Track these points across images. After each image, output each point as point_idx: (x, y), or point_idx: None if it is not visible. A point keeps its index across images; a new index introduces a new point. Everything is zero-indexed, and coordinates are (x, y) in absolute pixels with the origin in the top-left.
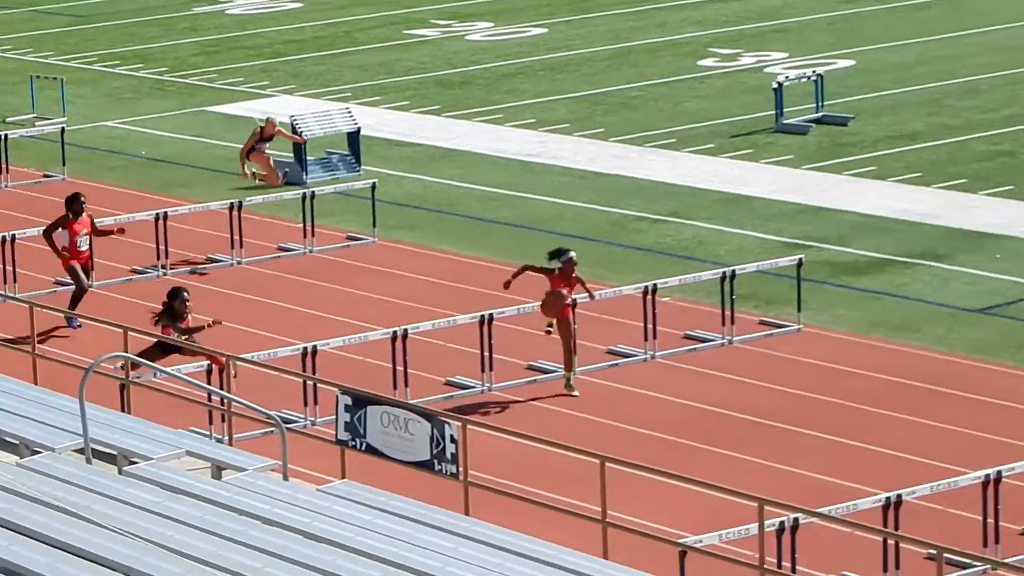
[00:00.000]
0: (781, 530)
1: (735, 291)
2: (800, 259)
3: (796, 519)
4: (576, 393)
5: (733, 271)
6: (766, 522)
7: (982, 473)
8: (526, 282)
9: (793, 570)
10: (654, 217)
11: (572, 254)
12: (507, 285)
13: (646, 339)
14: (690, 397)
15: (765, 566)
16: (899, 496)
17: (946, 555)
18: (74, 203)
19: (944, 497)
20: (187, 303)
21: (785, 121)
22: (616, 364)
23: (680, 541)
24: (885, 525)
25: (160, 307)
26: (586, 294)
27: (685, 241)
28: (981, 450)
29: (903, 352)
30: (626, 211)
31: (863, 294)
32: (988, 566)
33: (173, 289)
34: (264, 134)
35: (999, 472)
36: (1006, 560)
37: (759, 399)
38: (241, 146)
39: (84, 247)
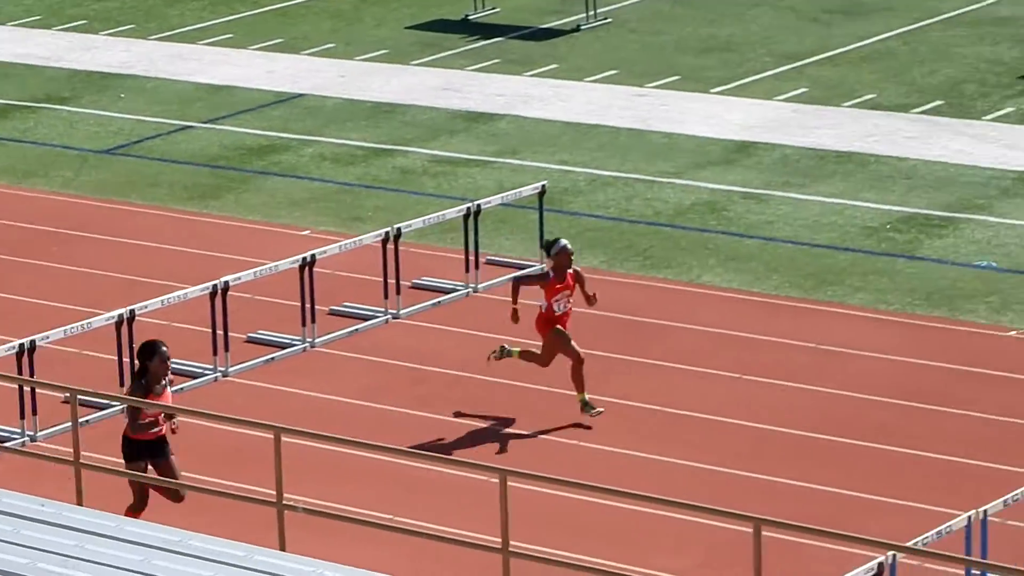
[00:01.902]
0: None
1: None
2: None
3: None
4: (600, 410)
5: None
6: None
7: (115, 313)
8: None
9: None
10: None
11: (565, 242)
12: (515, 316)
13: None
14: None
15: None
16: (33, 343)
17: (81, 396)
18: None
19: (77, 340)
20: (168, 363)
21: None
22: None
23: None
24: (20, 372)
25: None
26: (584, 297)
27: None
28: (117, 290)
29: (32, 197)
30: None
31: None
32: (117, 403)
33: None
34: None
35: (131, 310)
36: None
37: None
38: None
39: None
